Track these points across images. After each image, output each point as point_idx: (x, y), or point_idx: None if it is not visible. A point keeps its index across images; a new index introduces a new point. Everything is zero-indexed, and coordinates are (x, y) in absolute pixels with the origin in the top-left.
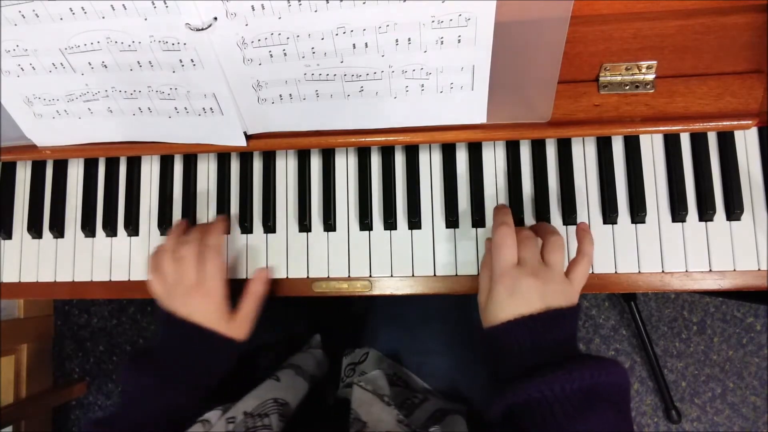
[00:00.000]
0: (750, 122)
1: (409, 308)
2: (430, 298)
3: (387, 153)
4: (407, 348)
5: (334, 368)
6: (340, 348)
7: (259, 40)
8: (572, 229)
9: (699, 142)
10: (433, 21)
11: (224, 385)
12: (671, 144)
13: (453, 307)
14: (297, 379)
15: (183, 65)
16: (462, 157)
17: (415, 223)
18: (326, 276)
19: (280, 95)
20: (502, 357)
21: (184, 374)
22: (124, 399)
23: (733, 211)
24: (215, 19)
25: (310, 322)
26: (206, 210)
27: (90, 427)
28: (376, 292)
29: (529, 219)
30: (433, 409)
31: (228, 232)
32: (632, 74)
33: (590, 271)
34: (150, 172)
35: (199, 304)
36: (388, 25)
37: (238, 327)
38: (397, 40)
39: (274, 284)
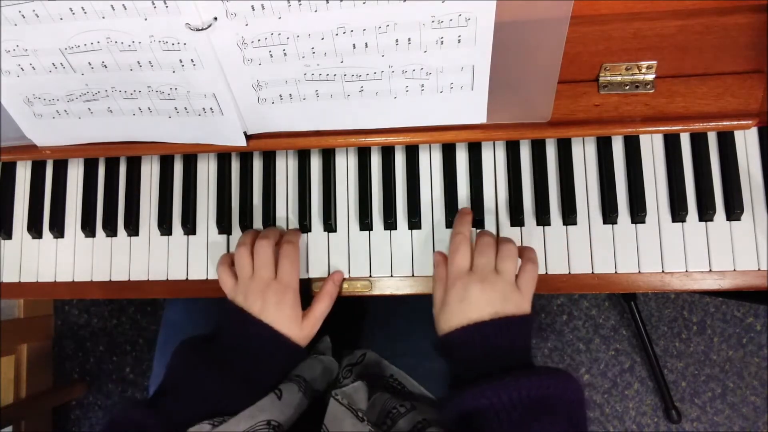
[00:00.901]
0: (750, 122)
1: (406, 310)
2: (428, 300)
3: (387, 153)
4: (404, 349)
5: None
6: (337, 349)
7: (259, 40)
8: (572, 229)
9: (699, 142)
10: (433, 21)
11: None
12: (671, 144)
13: None
14: (297, 395)
15: (183, 65)
16: (462, 157)
17: (415, 223)
18: (326, 276)
19: (280, 95)
20: (454, 363)
21: (256, 375)
22: (174, 385)
23: (733, 211)
24: (215, 19)
25: None
26: (206, 210)
27: (136, 413)
28: (376, 292)
29: (530, 219)
30: (417, 419)
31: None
32: (632, 74)
33: (590, 271)
34: (150, 172)
35: (274, 298)
36: (388, 25)
37: (307, 329)
38: (397, 40)
39: None
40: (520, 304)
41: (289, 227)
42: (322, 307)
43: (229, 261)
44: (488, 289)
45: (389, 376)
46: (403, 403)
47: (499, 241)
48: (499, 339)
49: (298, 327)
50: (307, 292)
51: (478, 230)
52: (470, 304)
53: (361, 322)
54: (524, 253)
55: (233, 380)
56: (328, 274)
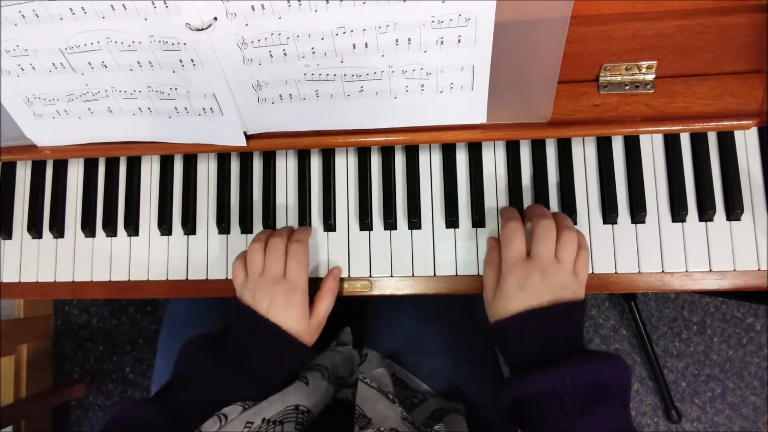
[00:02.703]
0: (750, 122)
1: (408, 309)
2: (429, 299)
3: (387, 153)
4: (406, 348)
5: None
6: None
7: (259, 40)
8: None
9: (699, 142)
10: (433, 21)
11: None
12: (671, 144)
13: (451, 308)
14: (323, 383)
15: (183, 65)
16: (462, 157)
17: (415, 223)
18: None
19: (280, 95)
20: (511, 349)
21: (262, 373)
22: (182, 381)
23: (733, 211)
24: (215, 19)
25: None
26: (206, 210)
27: (139, 408)
28: (376, 292)
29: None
30: (433, 408)
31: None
32: (632, 74)
33: (590, 271)
34: (150, 172)
35: (283, 296)
36: (388, 25)
37: (313, 328)
38: (397, 40)
39: None
40: (576, 290)
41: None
42: (325, 304)
43: (245, 257)
44: (549, 277)
45: (392, 375)
46: (415, 394)
47: (559, 224)
48: (558, 326)
49: (306, 326)
50: (311, 292)
51: (532, 209)
52: (530, 292)
53: (364, 321)
54: (578, 239)
55: (241, 379)
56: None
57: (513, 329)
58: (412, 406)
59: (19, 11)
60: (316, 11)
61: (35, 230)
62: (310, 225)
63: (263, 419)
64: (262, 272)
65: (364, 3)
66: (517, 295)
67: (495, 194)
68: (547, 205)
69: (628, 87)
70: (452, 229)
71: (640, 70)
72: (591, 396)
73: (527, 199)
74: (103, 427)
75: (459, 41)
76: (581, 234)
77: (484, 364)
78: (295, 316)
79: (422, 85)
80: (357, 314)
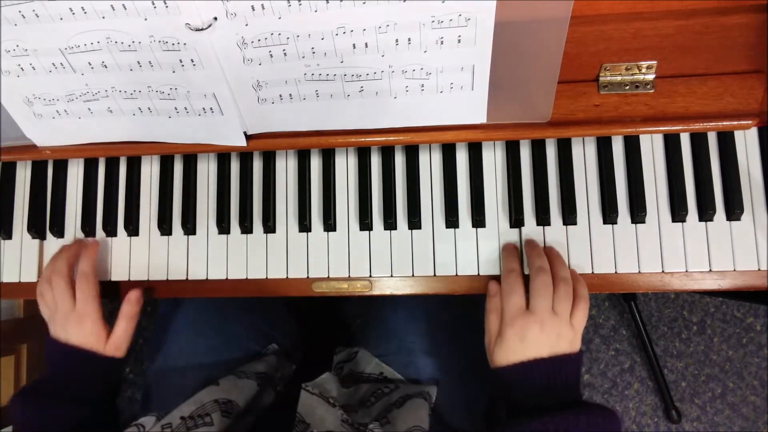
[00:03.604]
0: (750, 122)
1: (398, 309)
2: (419, 299)
3: (387, 153)
4: (395, 347)
5: (325, 366)
6: (331, 346)
7: (259, 40)
8: (572, 229)
9: (699, 142)
10: (433, 21)
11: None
12: (671, 144)
13: (440, 308)
14: (240, 381)
15: (183, 65)
16: (462, 157)
17: (415, 223)
18: (326, 276)
19: (280, 95)
20: (510, 394)
21: (77, 389)
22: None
23: (733, 211)
24: (215, 19)
25: (287, 325)
26: (206, 210)
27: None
28: (376, 292)
29: (530, 219)
30: (397, 396)
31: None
32: (632, 74)
33: (590, 272)
34: (150, 172)
35: (75, 328)
36: (388, 25)
37: (114, 346)
38: (397, 40)
39: (273, 285)
40: (573, 341)
41: (289, 227)
42: (121, 327)
43: (39, 294)
44: (547, 330)
45: (378, 374)
46: (387, 384)
47: (554, 276)
48: (555, 376)
49: (102, 346)
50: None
51: (531, 255)
52: (530, 344)
53: (355, 320)
54: (577, 290)
55: (65, 403)
56: (328, 274)
57: (513, 378)
58: (382, 395)
59: (19, 11)
60: (316, 11)
61: (35, 230)
62: (310, 225)
63: (180, 417)
64: (56, 308)
65: (364, 3)
66: (518, 347)
67: (495, 194)
68: (547, 205)
69: (628, 87)
70: (452, 229)
71: (640, 70)
72: None
73: (527, 200)
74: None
75: (459, 41)
76: (582, 283)
77: (471, 364)
78: (88, 340)
79: (422, 85)
80: (348, 313)
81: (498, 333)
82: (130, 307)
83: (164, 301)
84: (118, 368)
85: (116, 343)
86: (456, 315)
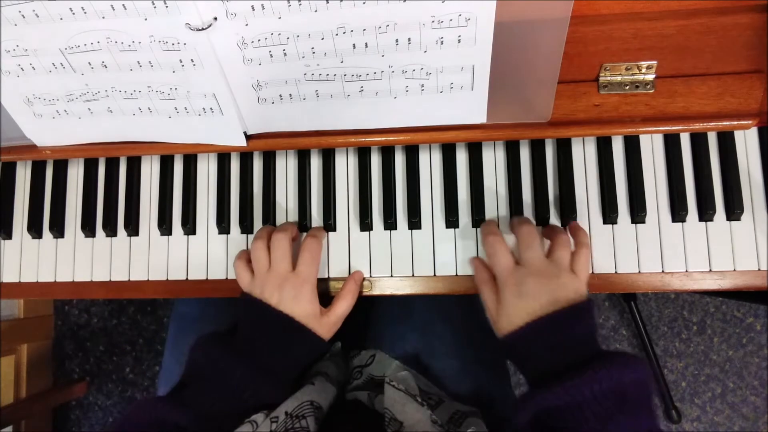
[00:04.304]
0: (750, 122)
1: (414, 310)
2: (434, 299)
3: (387, 153)
4: (414, 350)
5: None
6: (344, 349)
7: (259, 40)
8: None
9: (699, 142)
10: (433, 21)
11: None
12: (671, 144)
13: (457, 308)
14: (327, 384)
15: (183, 65)
16: (462, 157)
17: (415, 223)
18: (326, 276)
19: (280, 95)
20: (525, 362)
21: (279, 365)
22: (196, 378)
23: (733, 211)
24: (215, 19)
25: None
26: (206, 210)
27: (162, 407)
28: (376, 292)
29: (530, 219)
30: (452, 410)
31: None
32: (632, 74)
33: (590, 272)
34: (150, 172)
35: (292, 293)
36: (388, 25)
37: (328, 325)
38: (397, 40)
39: None
40: (578, 288)
41: None
42: (344, 305)
43: (246, 257)
44: (544, 280)
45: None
46: (430, 396)
47: (551, 230)
48: (567, 330)
49: (317, 322)
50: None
51: (514, 218)
52: (530, 298)
53: (368, 322)
54: (577, 236)
55: (256, 371)
56: (328, 274)
57: (522, 343)
58: (430, 407)
59: (19, 11)
60: (316, 11)
61: (35, 230)
62: (310, 225)
63: (285, 412)
64: (268, 269)
65: (364, 3)
66: (518, 305)
67: (495, 194)
68: (546, 205)
69: (628, 87)
70: (452, 229)
71: (640, 70)
72: (614, 402)
73: (527, 200)
74: (119, 422)
75: (459, 41)
76: (583, 231)
77: (491, 365)
78: (305, 311)
79: (422, 85)
80: (362, 315)
81: (497, 302)
82: (356, 285)
83: (164, 302)
84: (321, 353)
85: (333, 320)
86: (472, 313)
